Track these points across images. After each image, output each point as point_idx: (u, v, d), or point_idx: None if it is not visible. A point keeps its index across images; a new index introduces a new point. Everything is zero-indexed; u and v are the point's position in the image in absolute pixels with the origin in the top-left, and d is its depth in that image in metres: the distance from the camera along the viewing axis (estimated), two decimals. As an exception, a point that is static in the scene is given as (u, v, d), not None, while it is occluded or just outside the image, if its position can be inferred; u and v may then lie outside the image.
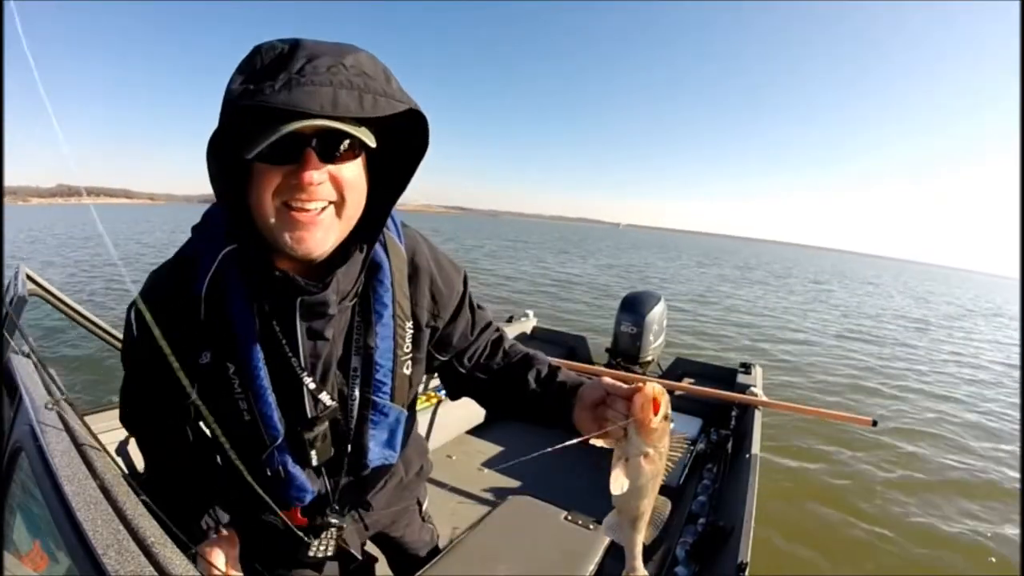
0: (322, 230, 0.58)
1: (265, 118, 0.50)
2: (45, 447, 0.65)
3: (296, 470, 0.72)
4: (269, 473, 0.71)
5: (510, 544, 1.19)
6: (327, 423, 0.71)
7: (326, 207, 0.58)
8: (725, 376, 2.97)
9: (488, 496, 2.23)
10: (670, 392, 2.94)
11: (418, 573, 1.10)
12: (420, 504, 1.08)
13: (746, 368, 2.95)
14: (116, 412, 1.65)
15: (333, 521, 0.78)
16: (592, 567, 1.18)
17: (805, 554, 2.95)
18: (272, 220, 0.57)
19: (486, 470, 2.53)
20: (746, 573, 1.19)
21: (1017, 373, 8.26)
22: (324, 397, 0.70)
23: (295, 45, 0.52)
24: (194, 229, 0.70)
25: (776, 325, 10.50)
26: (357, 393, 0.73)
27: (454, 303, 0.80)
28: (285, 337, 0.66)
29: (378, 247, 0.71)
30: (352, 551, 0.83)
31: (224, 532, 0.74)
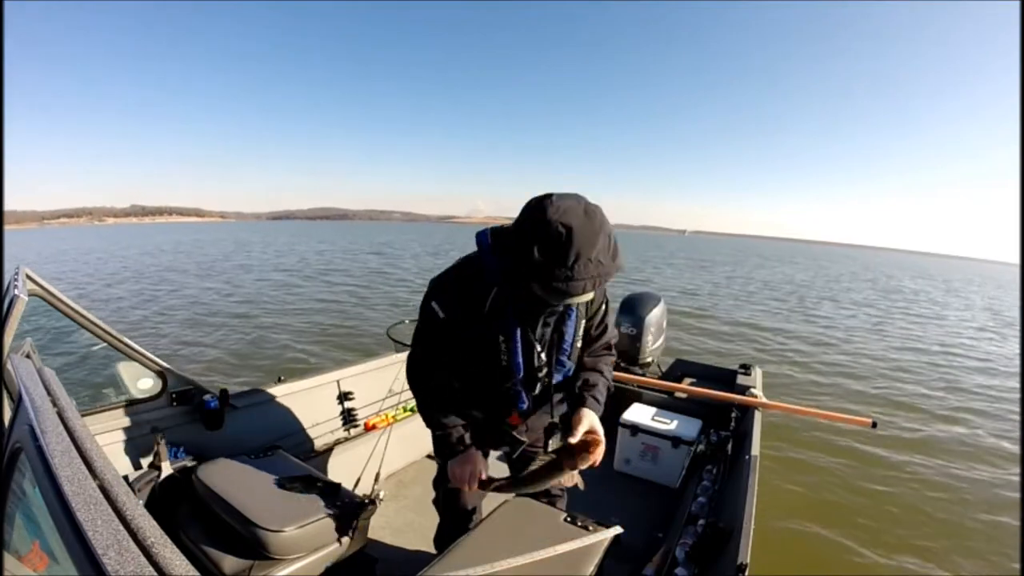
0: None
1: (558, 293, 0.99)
2: (45, 447, 0.65)
3: (523, 392, 1.28)
4: (506, 394, 1.28)
5: (510, 544, 1.19)
6: (543, 367, 1.24)
7: None
8: (725, 377, 2.97)
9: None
10: (670, 393, 2.93)
11: (419, 573, 1.11)
12: None
13: (746, 369, 2.95)
14: (116, 412, 1.67)
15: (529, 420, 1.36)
16: (592, 568, 1.18)
17: (805, 555, 2.95)
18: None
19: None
20: (746, 574, 1.19)
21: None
22: (542, 355, 1.23)
23: (569, 240, 0.93)
24: (473, 259, 1.19)
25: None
26: (555, 354, 1.25)
27: (595, 318, 1.31)
28: (531, 326, 1.19)
29: None
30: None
31: (472, 449, 1.27)
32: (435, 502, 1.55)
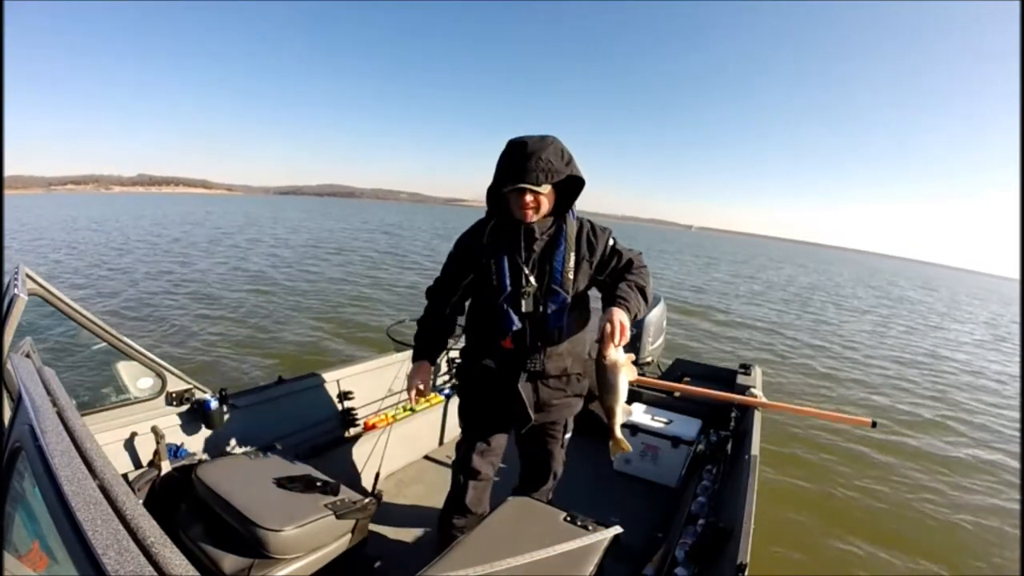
0: (533, 214, 1.39)
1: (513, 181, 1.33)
2: (45, 447, 0.65)
3: (511, 311, 1.43)
4: (497, 311, 1.44)
5: (510, 544, 1.20)
6: (532, 290, 1.43)
7: (535, 207, 1.38)
8: (725, 377, 2.97)
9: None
10: (670, 393, 2.93)
11: (418, 573, 1.11)
12: (567, 429, 1.64)
13: (746, 369, 2.95)
14: (116, 412, 1.67)
15: (535, 354, 1.46)
16: (592, 567, 1.18)
17: (804, 555, 2.95)
18: (516, 212, 1.40)
19: None
20: (745, 574, 1.19)
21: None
22: (532, 278, 1.44)
23: (523, 145, 1.32)
24: (484, 219, 1.51)
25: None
26: (546, 280, 1.44)
27: (600, 250, 1.47)
28: (516, 251, 1.43)
29: (567, 220, 1.47)
30: (525, 397, 1.47)
31: (424, 362, 1.58)
32: (453, 464, 1.67)
